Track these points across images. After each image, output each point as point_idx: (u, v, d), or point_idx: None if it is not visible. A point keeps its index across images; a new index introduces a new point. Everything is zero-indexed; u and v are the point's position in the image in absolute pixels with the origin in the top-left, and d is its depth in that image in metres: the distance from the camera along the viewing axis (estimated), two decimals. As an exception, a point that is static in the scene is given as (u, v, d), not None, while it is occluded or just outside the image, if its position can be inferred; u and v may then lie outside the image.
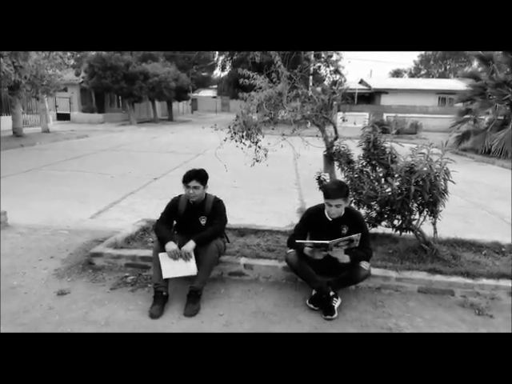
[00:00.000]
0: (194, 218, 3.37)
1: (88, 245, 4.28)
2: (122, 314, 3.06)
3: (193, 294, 3.16)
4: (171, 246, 3.17)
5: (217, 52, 36.04)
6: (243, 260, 3.67)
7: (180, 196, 3.50)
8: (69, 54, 17.05)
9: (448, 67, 59.95)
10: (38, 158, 11.13)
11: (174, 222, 3.52)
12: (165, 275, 3.17)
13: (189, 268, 3.19)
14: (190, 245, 3.19)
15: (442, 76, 54.29)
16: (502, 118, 14.03)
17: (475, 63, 17.91)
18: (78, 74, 26.62)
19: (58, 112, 27.07)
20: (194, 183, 3.29)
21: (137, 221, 4.73)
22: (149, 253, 3.66)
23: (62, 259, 4.00)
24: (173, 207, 3.46)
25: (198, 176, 3.31)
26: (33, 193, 6.87)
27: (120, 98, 29.37)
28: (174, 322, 2.97)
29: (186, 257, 3.15)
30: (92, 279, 3.60)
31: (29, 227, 4.89)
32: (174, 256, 3.15)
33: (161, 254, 3.18)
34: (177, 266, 3.18)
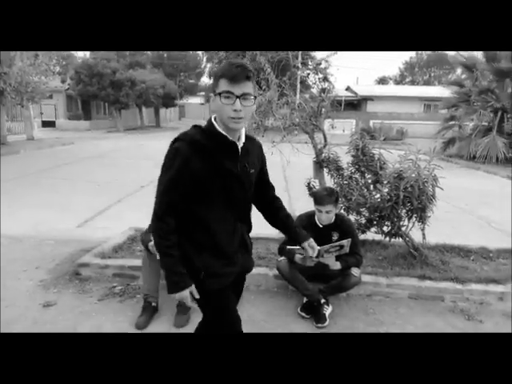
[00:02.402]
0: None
1: (75, 255, 4.20)
2: (110, 325, 3.00)
3: (183, 304, 3.11)
4: None
5: (204, 59, 36.17)
6: (233, 268, 3.63)
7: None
8: (54, 60, 16.90)
9: (432, 74, 61.00)
10: (22, 167, 10.96)
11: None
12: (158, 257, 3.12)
13: None
14: None
15: (427, 83, 55.19)
16: (486, 124, 14.31)
17: (459, 71, 18.24)
18: (63, 81, 26.39)
19: (44, 119, 26.77)
20: None
21: (124, 229, 4.66)
22: (137, 262, 3.61)
23: (48, 270, 3.92)
24: None
25: None
26: (17, 202, 6.74)
27: (106, 104, 29.12)
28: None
29: None
30: (79, 290, 3.53)
31: (13, 237, 4.79)
32: None
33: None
34: None
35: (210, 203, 1.69)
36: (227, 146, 1.68)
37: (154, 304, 3.12)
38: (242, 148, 1.72)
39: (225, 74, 1.57)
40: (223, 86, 1.58)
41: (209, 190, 1.67)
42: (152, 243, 3.09)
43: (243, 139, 1.74)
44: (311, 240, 2.00)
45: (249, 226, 1.89)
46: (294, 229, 2.02)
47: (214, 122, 1.69)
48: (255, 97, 1.65)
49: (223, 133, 1.66)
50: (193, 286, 1.72)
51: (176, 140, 1.68)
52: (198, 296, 1.74)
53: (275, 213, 2.02)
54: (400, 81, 62.27)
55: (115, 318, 3.09)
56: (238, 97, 1.57)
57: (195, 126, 1.75)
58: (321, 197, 3.16)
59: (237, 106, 1.57)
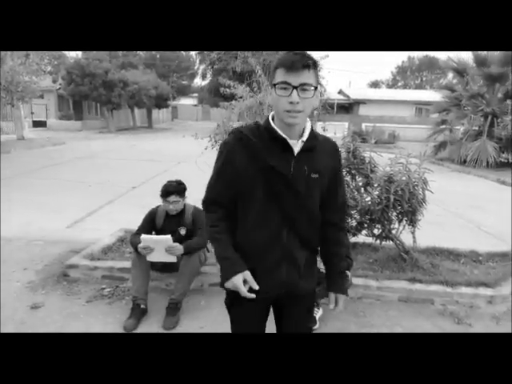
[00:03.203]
0: (174, 230, 3.31)
1: (63, 256, 4.16)
2: (98, 327, 2.96)
3: (172, 306, 3.09)
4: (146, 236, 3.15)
5: (197, 61, 36.15)
6: (224, 270, 3.61)
7: (158, 207, 3.43)
8: (46, 60, 16.77)
9: (424, 79, 61.58)
10: (12, 166, 10.83)
11: (153, 233, 3.45)
12: (148, 258, 3.15)
13: (168, 256, 3.16)
14: (179, 249, 3.12)
15: (419, 87, 55.70)
16: (476, 128, 14.44)
17: (450, 75, 18.44)
18: (55, 81, 26.18)
19: (34, 119, 26.50)
20: (173, 198, 3.24)
21: (114, 231, 4.63)
22: (126, 264, 3.58)
23: (36, 271, 3.87)
24: (150, 220, 3.39)
25: (176, 191, 3.26)
26: (6, 202, 6.66)
27: (98, 105, 28.92)
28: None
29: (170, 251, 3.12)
30: (67, 292, 3.49)
31: (1, 238, 4.73)
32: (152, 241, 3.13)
33: (143, 237, 3.12)
34: (158, 252, 3.13)
35: (251, 202, 1.54)
36: (277, 143, 1.51)
37: (142, 306, 3.10)
38: (302, 147, 1.53)
39: (281, 63, 1.43)
40: (279, 76, 1.43)
41: (250, 189, 1.52)
42: (141, 245, 3.07)
43: (306, 137, 1.54)
44: (341, 297, 1.75)
45: (305, 242, 1.60)
46: (333, 273, 1.73)
47: (270, 118, 1.55)
48: (316, 87, 1.46)
49: (274, 128, 1.51)
50: (246, 273, 1.52)
51: (229, 133, 1.60)
52: (256, 286, 1.52)
53: (325, 243, 1.71)
54: (392, 85, 62.79)
55: (104, 320, 3.06)
56: (294, 87, 1.40)
57: (255, 122, 1.63)
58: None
59: (293, 98, 1.40)
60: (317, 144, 1.57)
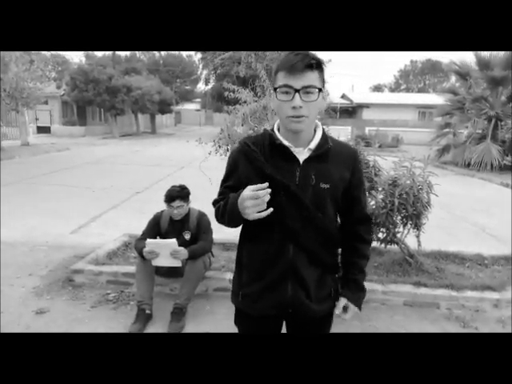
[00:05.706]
0: (178, 234, 3.32)
1: (68, 261, 4.17)
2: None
3: (177, 311, 3.09)
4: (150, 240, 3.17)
5: (201, 66, 36.30)
6: (229, 275, 3.61)
7: (162, 212, 3.44)
8: (50, 66, 16.91)
9: (427, 82, 61.60)
10: (17, 172, 10.89)
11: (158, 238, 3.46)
12: (153, 263, 3.17)
13: (173, 261, 3.17)
14: (183, 253, 3.13)
15: (422, 91, 55.69)
16: (480, 131, 14.39)
17: (453, 78, 18.43)
18: (59, 87, 26.38)
19: (39, 125, 26.68)
20: (177, 203, 3.24)
21: (119, 236, 4.64)
22: (131, 269, 3.59)
23: (41, 276, 3.88)
24: (155, 224, 3.40)
25: (180, 196, 3.26)
26: (11, 208, 6.70)
27: (102, 110, 29.06)
28: (157, 341, 2.89)
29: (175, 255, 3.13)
30: (72, 297, 3.49)
31: (6, 243, 4.75)
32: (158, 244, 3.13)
33: (148, 241, 3.13)
34: (163, 257, 3.14)
35: None
36: (279, 152, 1.43)
37: (147, 311, 3.10)
38: (310, 155, 1.43)
39: (282, 65, 1.34)
40: (280, 79, 1.34)
41: None
42: (146, 249, 3.08)
43: (314, 144, 1.44)
44: (352, 307, 1.62)
45: (314, 258, 1.48)
46: (347, 281, 1.60)
47: (276, 126, 1.48)
48: (320, 89, 1.35)
49: (277, 136, 1.44)
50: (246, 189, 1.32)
51: (238, 142, 1.56)
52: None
53: (345, 253, 1.62)
54: (395, 88, 62.81)
55: (108, 325, 3.06)
56: (297, 90, 1.30)
57: (264, 130, 1.58)
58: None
59: (296, 102, 1.31)
60: (329, 151, 1.45)
